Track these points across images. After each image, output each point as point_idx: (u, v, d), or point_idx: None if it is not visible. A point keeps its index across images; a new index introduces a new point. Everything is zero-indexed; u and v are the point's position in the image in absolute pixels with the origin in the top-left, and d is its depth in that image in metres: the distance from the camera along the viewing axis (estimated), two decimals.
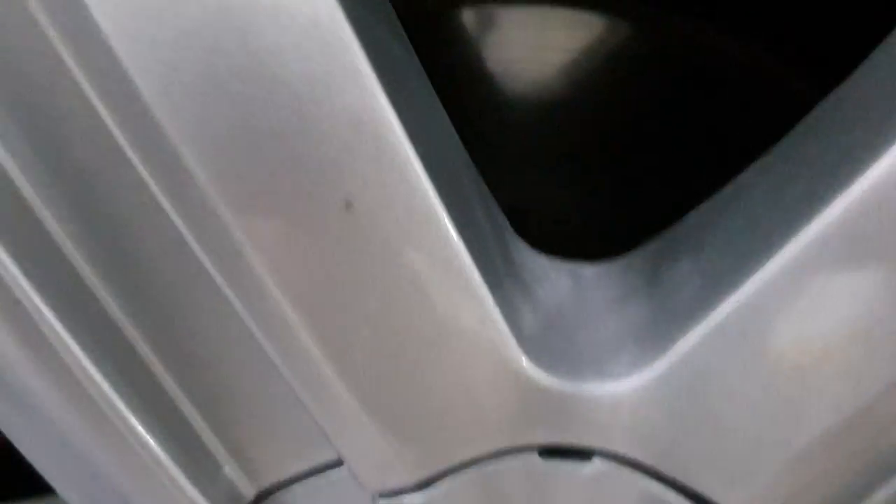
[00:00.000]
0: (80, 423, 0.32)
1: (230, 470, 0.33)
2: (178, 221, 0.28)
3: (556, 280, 0.34)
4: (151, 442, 0.32)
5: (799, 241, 0.28)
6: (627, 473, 0.31)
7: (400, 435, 0.29)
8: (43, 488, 0.42)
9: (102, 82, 0.27)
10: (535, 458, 0.31)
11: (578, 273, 0.34)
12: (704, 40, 0.42)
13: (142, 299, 0.31)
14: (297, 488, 0.33)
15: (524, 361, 0.30)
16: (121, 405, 0.31)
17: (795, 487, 0.31)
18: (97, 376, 0.31)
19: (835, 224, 0.27)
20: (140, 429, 0.31)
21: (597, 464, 0.31)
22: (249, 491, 0.33)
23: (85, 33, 0.26)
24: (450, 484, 0.31)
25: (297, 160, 0.26)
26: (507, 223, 0.34)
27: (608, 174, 0.43)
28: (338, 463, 0.32)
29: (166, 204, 0.28)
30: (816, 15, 0.40)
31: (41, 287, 0.29)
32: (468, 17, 0.43)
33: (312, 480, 0.33)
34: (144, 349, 0.32)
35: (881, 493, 0.30)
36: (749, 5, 0.42)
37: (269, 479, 0.33)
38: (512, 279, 0.32)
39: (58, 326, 0.29)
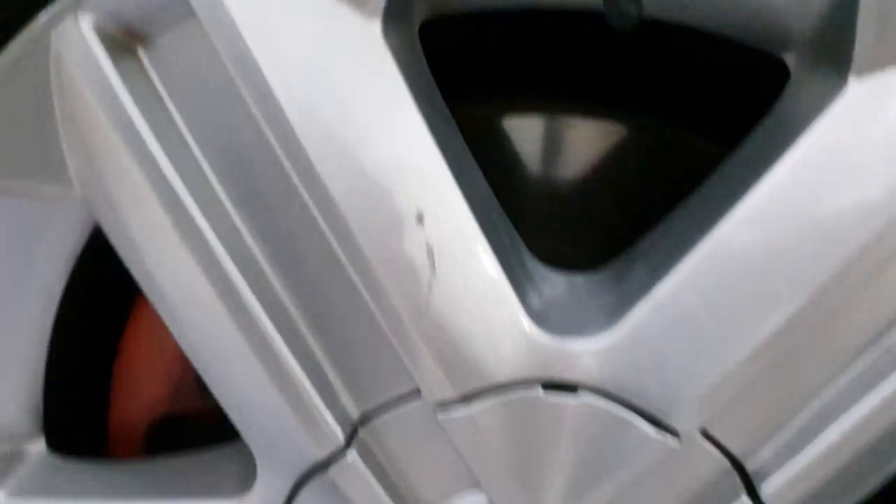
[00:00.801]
0: (263, 370, 0.50)
1: (342, 395, 0.51)
2: (334, 245, 0.47)
3: (557, 283, 0.52)
4: (303, 376, 0.50)
5: (694, 254, 0.46)
6: (601, 401, 0.48)
7: (451, 358, 0.48)
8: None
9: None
10: (538, 389, 0.48)
11: (573, 280, 0.52)
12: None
13: (303, 293, 0.50)
14: (387, 415, 0.51)
15: (529, 324, 0.48)
16: (290, 357, 0.50)
17: (720, 407, 0.47)
18: (277, 339, 0.50)
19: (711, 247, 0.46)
20: (298, 369, 0.50)
21: (581, 395, 0.48)
22: (355, 412, 0.52)
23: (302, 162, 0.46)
24: (484, 402, 0.48)
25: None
26: (524, 247, 0.52)
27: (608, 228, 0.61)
28: (414, 393, 0.50)
29: (328, 234, 0.47)
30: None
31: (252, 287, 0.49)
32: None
33: (398, 408, 0.51)
34: (301, 321, 0.51)
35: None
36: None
37: (366, 406, 0.51)
38: (525, 278, 0.50)
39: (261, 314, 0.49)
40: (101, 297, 0.66)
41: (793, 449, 0.49)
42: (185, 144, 0.49)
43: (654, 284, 0.47)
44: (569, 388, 0.49)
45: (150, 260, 0.51)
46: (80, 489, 0.62)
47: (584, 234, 0.61)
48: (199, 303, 0.50)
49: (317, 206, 0.47)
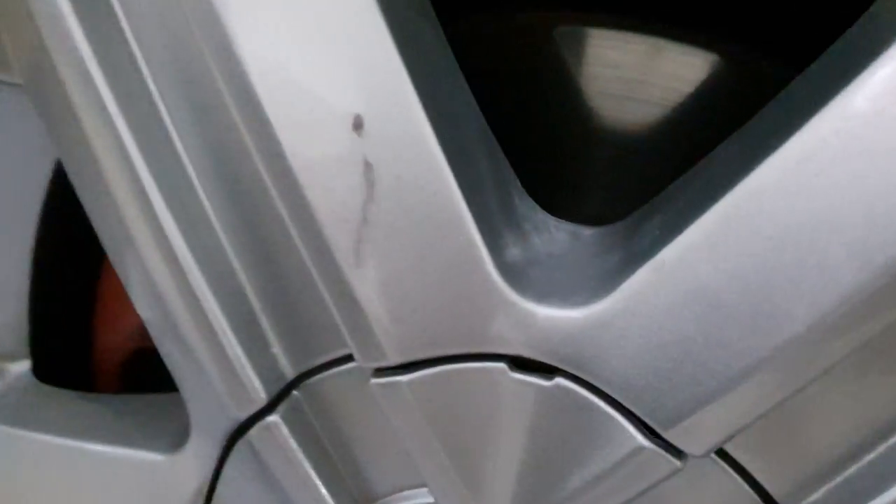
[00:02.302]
0: (186, 311, 0.42)
1: (277, 350, 0.41)
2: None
3: (555, 234, 0.40)
4: (226, 323, 0.41)
5: (723, 203, 0.33)
6: (580, 390, 0.36)
7: (388, 315, 0.37)
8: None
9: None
10: (502, 366, 0.37)
11: (578, 232, 0.40)
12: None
13: (252, 252, 0.41)
14: (326, 377, 0.41)
15: (497, 279, 0.36)
16: (213, 300, 0.41)
17: (727, 424, 0.34)
18: (198, 276, 0.41)
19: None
20: (221, 315, 0.41)
21: (556, 379, 0.36)
22: (290, 371, 0.42)
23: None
24: (430, 371, 0.37)
25: None
26: (517, 187, 0.40)
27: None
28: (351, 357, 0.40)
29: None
30: None
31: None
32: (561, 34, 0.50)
33: (336, 370, 0.41)
34: (235, 259, 0.42)
35: None
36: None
37: (304, 365, 0.41)
38: (505, 222, 0.38)
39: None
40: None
41: (841, 477, 0.36)
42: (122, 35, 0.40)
43: (663, 243, 0.35)
44: (542, 367, 0.37)
45: (74, 167, 0.43)
46: (33, 418, 0.56)
47: (628, 184, 0.48)
48: (122, 224, 0.41)
49: (239, 104, 0.37)
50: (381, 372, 0.38)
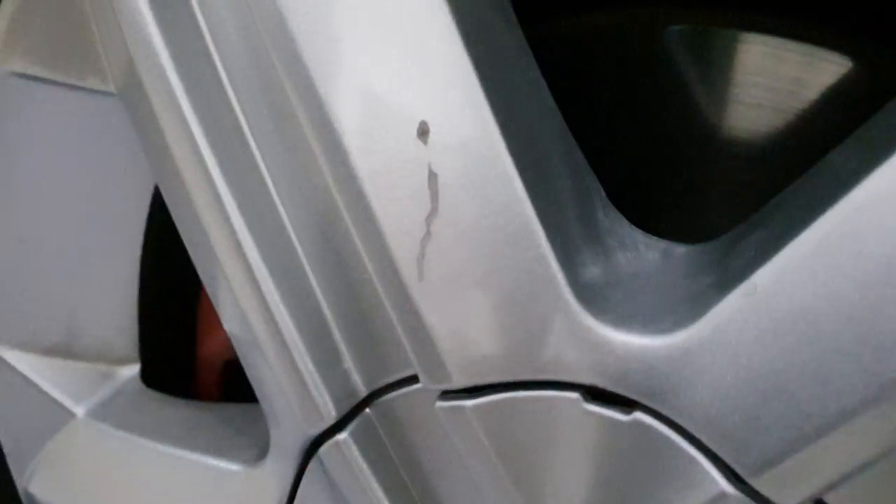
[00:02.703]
0: (262, 324, 0.41)
1: (349, 366, 0.40)
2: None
3: (644, 252, 0.36)
4: (299, 339, 0.40)
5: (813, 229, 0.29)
6: (662, 427, 0.32)
7: (453, 335, 0.34)
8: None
9: None
10: (576, 396, 0.34)
11: (671, 250, 0.36)
12: None
13: (326, 265, 0.39)
14: (398, 396, 0.39)
15: (571, 300, 0.33)
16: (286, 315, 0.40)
17: (824, 472, 0.30)
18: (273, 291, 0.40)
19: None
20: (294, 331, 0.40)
21: (635, 414, 0.33)
22: (362, 389, 0.40)
23: None
24: (495, 400, 0.35)
25: None
26: (602, 199, 0.37)
27: None
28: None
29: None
30: None
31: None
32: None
33: (409, 389, 0.39)
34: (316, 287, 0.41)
35: None
36: None
37: (376, 383, 0.40)
38: (586, 237, 0.35)
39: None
40: None
41: None
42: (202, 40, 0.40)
43: (757, 265, 0.31)
44: (620, 400, 0.34)
45: (161, 179, 0.43)
46: (137, 422, 0.57)
47: (734, 197, 0.43)
48: (202, 235, 0.41)
49: (307, 111, 0.35)
50: (446, 395, 0.36)
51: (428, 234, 0.34)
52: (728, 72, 0.43)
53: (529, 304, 0.33)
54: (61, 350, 0.61)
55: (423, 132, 0.34)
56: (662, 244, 0.37)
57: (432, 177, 0.33)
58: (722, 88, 0.43)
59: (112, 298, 0.60)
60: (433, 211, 0.34)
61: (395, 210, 0.34)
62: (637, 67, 0.44)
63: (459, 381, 0.35)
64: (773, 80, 0.43)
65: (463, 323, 0.34)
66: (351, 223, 0.35)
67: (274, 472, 0.46)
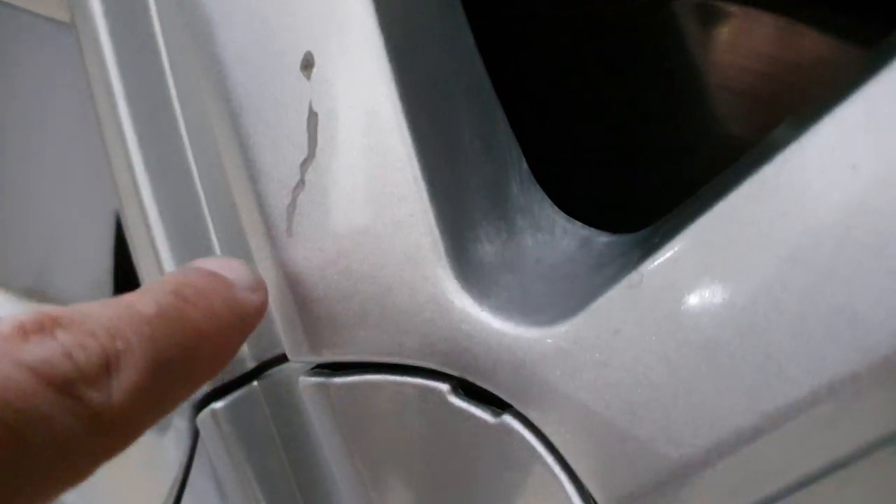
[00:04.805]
0: None
1: None
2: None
3: (560, 237, 0.31)
4: None
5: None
6: (528, 435, 0.27)
7: (318, 302, 0.30)
8: None
9: None
10: (444, 387, 0.29)
11: (591, 238, 0.31)
12: None
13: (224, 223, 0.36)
14: (285, 370, 0.35)
15: (448, 276, 0.28)
16: None
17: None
18: None
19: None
20: None
21: (504, 416, 0.28)
22: (250, 359, 0.36)
23: None
24: (358, 380, 0.30)
25: None
26: (522, 173, 0.32)
27: None
28: None
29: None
30: None
31: None
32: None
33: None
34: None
35: None
36: None
37: (266, 355, 0.36)
38: (488, 212, 0.30)
39: None
40: None
41: None
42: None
43: (649, 254, 0.25)
44: (490, 398, 0.29)
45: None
46: None
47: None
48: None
49: (196, 45, 0.32)
50: (313, 371, 0.32)
51: (301, 182, 0.30)
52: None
53: (402, 276, 0.29)
54: (37, 295, 0.60)
55: (307, 65, 0.30)
56: (585, 231, 0.32)
57: (312, 117, 0.30)
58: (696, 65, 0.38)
59: (87, 250, 0.59)
60: (309, 157, 0.30)
61: (269, 154, 0.30)
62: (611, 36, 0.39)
63: (322, 355, 0.31)
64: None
65: (329, 289, 0.30)
66: (226, 166, 0.32)
67: (174, 435, 0.42)
